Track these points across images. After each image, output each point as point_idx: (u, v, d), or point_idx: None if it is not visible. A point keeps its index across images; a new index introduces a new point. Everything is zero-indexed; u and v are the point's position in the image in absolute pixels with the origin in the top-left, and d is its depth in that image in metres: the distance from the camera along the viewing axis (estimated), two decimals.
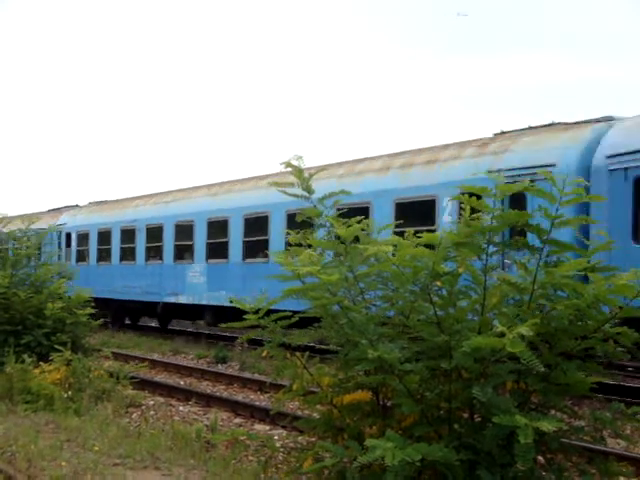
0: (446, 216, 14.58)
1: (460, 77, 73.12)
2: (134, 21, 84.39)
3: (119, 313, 26.64)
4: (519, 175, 13.05)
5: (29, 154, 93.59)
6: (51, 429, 8.91)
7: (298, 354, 6.69)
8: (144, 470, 7.16)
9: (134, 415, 10.87)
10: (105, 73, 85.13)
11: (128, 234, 25.35)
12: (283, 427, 10.02)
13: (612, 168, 12.29)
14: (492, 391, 5.07)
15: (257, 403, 12.20)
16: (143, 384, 13.09)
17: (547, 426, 4.58)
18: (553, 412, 5.74)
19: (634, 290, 4.97)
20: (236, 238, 20.51)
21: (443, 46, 79.24)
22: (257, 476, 7.02)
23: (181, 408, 11.96)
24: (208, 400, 12.46)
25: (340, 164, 18.68)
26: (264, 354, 6.93)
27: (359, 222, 6.45)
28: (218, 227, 21.22)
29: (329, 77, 79.43)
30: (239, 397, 13.03)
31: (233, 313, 22.89)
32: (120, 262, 25.80)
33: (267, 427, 10.45)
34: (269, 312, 6.43)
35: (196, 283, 21.85)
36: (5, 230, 15.25)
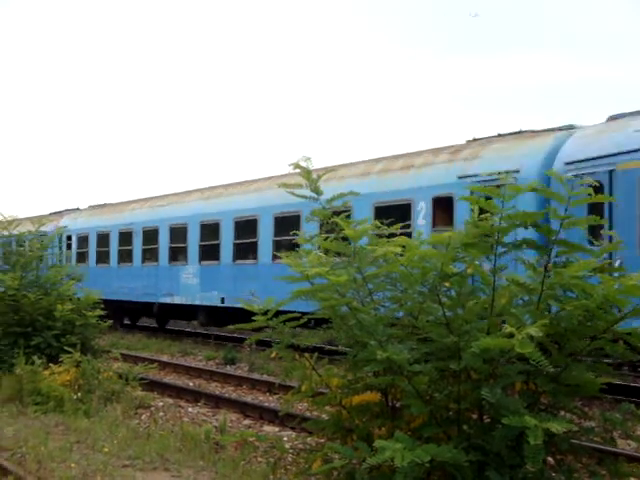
0: (420, 219, 15.18)
1: (460, 77, 73.05)
2: (131, 24, 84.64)
3: (118, 313, 26.89)
4: (488, 180, 13.19)
5: (32, 157, 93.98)
6: (61, 430, 8.94)
7: (307, 355, 6.69)
8: (153, 471, 7.18)
9: (143, 416, 10.90)
10: (105, 76, 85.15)
11: (125, 236, 26.01)
12: (292, 428, 10.02)
13: (571, 174, 12.07)
14: (501, 392, 5.06)
15: (266, 404, 12.20)
16: (152, 385, 13.11)
17: (557, 427, 4.57)
18: (563, 413, 5.72)
19: None
20: (227, 240, 21.19)
21: (443, 46, 79.15)
22: (266, 477, 7.03)
23: (190, 409, 11.97)
24: (217, 401, 12.47)
25: (324, 168, 18.74)
26: (273, 355, 6.93)
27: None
28: (210, 230, 21.93)
29: (329, 77, 79.47)
30: (248, 398, 13.04)
31: (225, 313, 23.23)
32: (118, 264, 26.46)
33: (276, 428, 10.45)
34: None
35: (190, 284, 22.53)
36: (15, 232, 15.27)
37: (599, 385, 5.42)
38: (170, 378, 15.70)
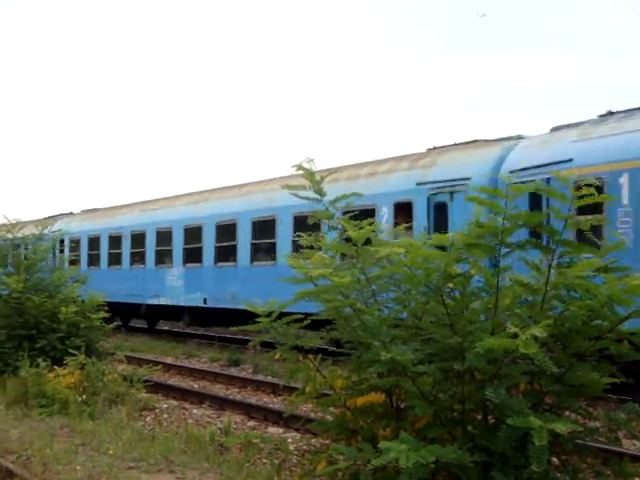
0: (383, 223, 15.75)
1: (460, 77, 73.05)
2: (128, 26, 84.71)
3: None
4: (442, 187, 15.26)
5: (27, 161, 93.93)
6: (66, 433, 8.95)
7: (311, 357, 6.69)
8: (158, 473, 7.19)
9: (148, 418, 10.91)
10: (101, 78, 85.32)
11: (115, 240, 26.97)
12: (297, 430, 10.03)
13: (513, 182, 12.80)
14: (505, 392, 5.05)
15: (270, 406, 12.20)
16: (157, 387, 13.13)
17: (561, 428, 4.57)
18: (567, 413, 5.72)
19: None
20: (209, 244, 22.19)
21: (443, 46, 79.18)
22: (271, 479, 7.03)
23: (195, 411, 11.98)
24: (222, 403, 12.48)
25: (300, 175, 19.36)
26: (277, 357, 6.93)
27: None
28: (193, 234, 22.91)
29: (329, 78, 79.44)
30: (252, 400, 13.05)
31: (208, 313, 23.12)
32: (108, 266, 27.32)
33: (281, 430, 10.45)
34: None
35: (175, 286, 23.59)
36: (19, 235, 15.30)
37: (603, 385, 5.41)
38: (174, 380, 15.72)
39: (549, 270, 5.41)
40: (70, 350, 11.72)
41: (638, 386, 9.12)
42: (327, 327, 6.47)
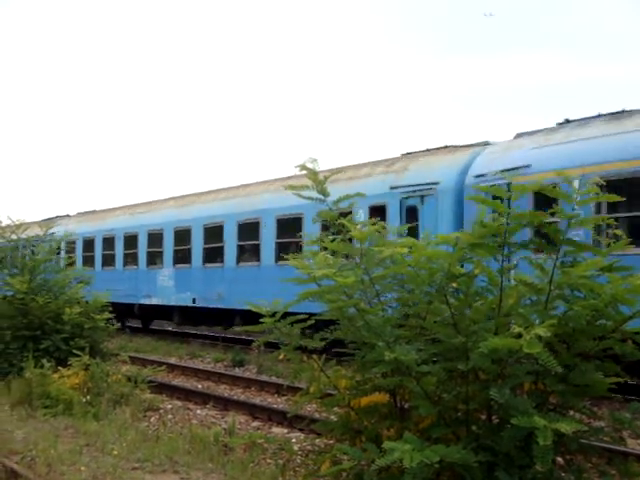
0: (359, 227, 16.00)
1: (460, 77, 73.04)
2: (126, 28, 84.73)
3: None
4: (414, 191, 15.99)
5: (26, 163, 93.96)
6: (70, 434, 8.96)
7: (315, 357, 6.69)
8: (163, 474, 7.19)
9: (152, 419, 10.92)
10: (98, 81, 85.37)
11: (109, 242, 27.89)
12: (301, 430, 10.03)
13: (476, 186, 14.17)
14: (510, 392, 5.04)
15: (274, 406, 12.21)
16: (161, 388, 13.13)
17: (566, 427, 4.56)
18: (572, 413, 5.71)
19: None
20: (197, 245, 23.07)
21: (443, 46, 79.16)
22: (275, 479, 7.03)
23: (199, 412, 11.99)
24: (226, 403, 12.49)
25: (281, 179, 20.81)
26: (281, 357, 6.93)
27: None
28: (183, 235, 23.83)
29: (328, 78, 79.50)
30: (256, 400, 13.05)
31: (197, 313, 23.20)
32: (102, 267, 27.98)
33: (285, 430, 10.45)
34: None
35: (165, 286, 24.49)
36: (23, 236, 15.32)
37: (608, 385, 5.40)
38: (179, 380, 15.73)
39: (553, 270, 5.40)
40: (74, 351, 11.74)
41: None
42: (331, 327, 6.47)
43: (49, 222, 30.98)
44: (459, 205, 15.13)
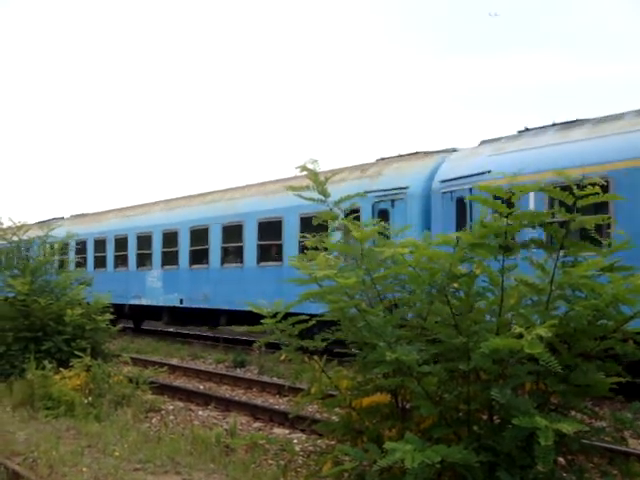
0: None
1: (460, 77, 73.04)
2: (122, 30, 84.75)
3: None
4: (385, 195, 16.63)
5: (23, 165, 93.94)
6: (72, 435, 8.97)
7: (316, 357, 6.69)
8: (165, 475, 7.20)
9: (154, 420, 10.92)
10: (94, 80, 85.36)
11: (100, 244, 28.66)
12: (302, 430, 10.03)
13: (443, 191, 15.55)
14: (511, 392, 5.05)
15: (276, 407, 12.21)
16: (162, 389, 13.14)
17: (567, 428, 4.56)
18: (573, 413, 5.71)
19: None
20: (184, 247, 23.90)
21: (443, 46, 79.18)
22: None
23: (200, 412, 11.99)
24: (227, 404, 12.49)
25: (262, 184, 22.28)
26: (282, 358, 6.94)
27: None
28: (170, 238, 24.63)
29: (328, 78, 79.41)
30: (258, 401, 13.05)
31: (184, 313, 24.28)
32: (94, 269, 28.47)
33: (286, 431, 10.46)
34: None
35: (154, 287, 25.26)
36: (24, 238, 15.32)
37: (609, 385, 5.40)
38: (180, 381, 15.74)
39: (554, 270, 5.40)
40: (76, 352, 11.74)
41: None
42: (332, 328, 6.47)
43: (43, 225, 31.44)
44: (426, 208, 16.14)
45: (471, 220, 14.16)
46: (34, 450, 7.85)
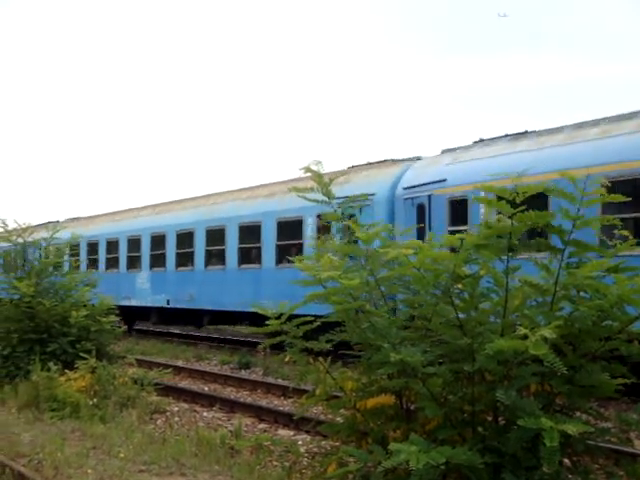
0: (309, 232, 18.49)
1: (460, 77, 73.00)
2: (120, 31, 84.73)
3: None
4: (353, 201, 16.23)
5: (19, 168, 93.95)
6: (77, 436, 8.98)
7: (321, 359, 6.69)
8: (170, 476, 7.20)
9: (159, 421, 10.93)
10: (92, 82, 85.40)
11: (92, 246, 29.56)
12: (307, 432, 10.02)
13: (405, 197, 16.53)
14: (516, 394, 5.04)
15: (281, 408, 12.21)
16: (167, 390, 13.15)
17: (573, 429, 4.55)
18: (578, 414, 5.69)
19: None
20: (171, 250, 24.90)
21: (443, 46, 79.14)
22: None
23: (205, 414, 12.00)
24: (232, 406, 12.49)
25: (243, 190, 23.49)
26: (287, 359, 6.94)
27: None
28: (158, 241, 25.71)
29: (328, 78, 79.50)
30: (263, 402, 13.06)
31: (170, 313, 25.58)
32: (86, 270, 29.29)
33: (291, 432, 10.45)
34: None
35: (143, 288, 26.26)
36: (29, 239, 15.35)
37: (614, 386, 5.39)
38: (185, 383, 15.74)
39: (559, 270, 5.40)
40: (81, 354, 11.76)
41: None
42: (336, 329, 6.47)
43: (40, 227, 31.68)
44: (391, 214, 16.96)
45: (429, 225, 15.50)
46: (39, 452, 7.86)
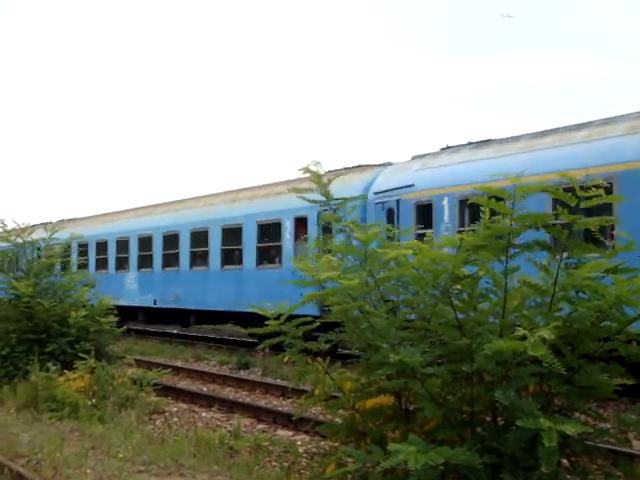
0: (287, 234, 19.44)
1: (460, 77, 72.99)
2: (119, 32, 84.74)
3: None
4: (329, 205, 17.22)
5: (16, 168, 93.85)
6: (76, 437, 8.98)
7: (319, 359, 6.70)
8: (168, 477, 7.20)
9: (158, 422, 10.93)
10: (90, 83, 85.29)
11: (83, 248, 29.81)
12: (306, 432, 10.02)
13: (376, 202, 17.04)
14: (515, 394, 5.04)
15: (280, 409, 12.21)
16: (166, 391, 13.14)
17: (571, 429, 4.55)
18: (577, 414, 5.70)
19: None
20: (157, 251, 25.69)
21: (443, 46, 79.17)
22: None
23: (204, 414, 12.00)
24: (231, 406, 12.49)
25: (225, 193, 24.28)
26: (286, 359, 6.94)
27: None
28: (145, 242, 26.50)
29: (328, 78, 79.36)
30: (262, 403, 13.05)
31: (157, 313, 26.61)
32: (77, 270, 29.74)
33: (290, 433, 10.45)
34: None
35: (131, 288, 26.95)
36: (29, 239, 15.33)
37: (613, 386, 5.39)
38: (184, 383, 15.74)
39: (557, 271, 5.40)
40: (80, 354, 11.76)
41: None
42: (336, 329, 6.48)
43: (34, 228, 31.79)
44: (363, 217, 17.20)
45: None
46: (38, 452, 7.86)
